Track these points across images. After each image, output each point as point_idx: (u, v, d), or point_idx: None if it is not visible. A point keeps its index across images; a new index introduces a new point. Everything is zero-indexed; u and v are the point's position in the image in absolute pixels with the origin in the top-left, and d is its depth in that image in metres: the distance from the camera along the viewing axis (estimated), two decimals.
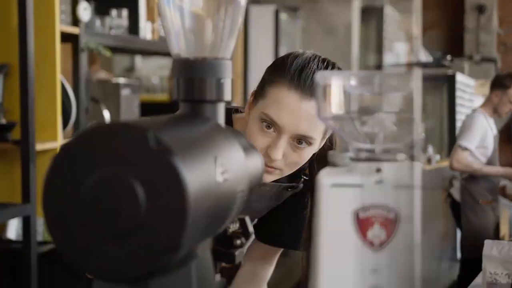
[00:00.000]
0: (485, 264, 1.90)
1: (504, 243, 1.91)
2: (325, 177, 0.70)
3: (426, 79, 5.82)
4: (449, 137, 7.18)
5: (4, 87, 2.44)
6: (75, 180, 0.63)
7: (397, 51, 8.15)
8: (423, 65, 5.41)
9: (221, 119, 0.83)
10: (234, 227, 0.88)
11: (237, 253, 0.83)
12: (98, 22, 2.96)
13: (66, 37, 2.63)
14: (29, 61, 2.36)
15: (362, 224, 0.69)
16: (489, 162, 4.46)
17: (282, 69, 1.25)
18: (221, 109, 0.83)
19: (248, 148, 0.88)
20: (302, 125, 1.23)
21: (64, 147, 0.63)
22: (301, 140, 1.24)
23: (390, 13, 7.45)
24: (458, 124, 7.15)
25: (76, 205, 0.62)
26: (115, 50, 3.21)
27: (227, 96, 0.83)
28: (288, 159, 1.26)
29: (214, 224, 0.71)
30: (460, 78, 7.00)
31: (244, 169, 0.78)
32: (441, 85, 6.85)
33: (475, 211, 4.34)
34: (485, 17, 9.25)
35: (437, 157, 6.25)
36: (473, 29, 9.30)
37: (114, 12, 3.05)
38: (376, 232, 0.69)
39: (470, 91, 7.60)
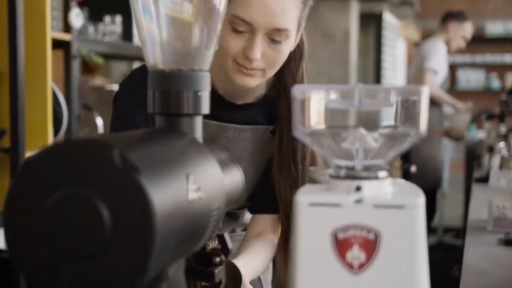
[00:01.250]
0: (492, 197, 1.75)
1: None
2: (303, 196, 0.67)
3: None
4: (375, 77, 7.28)
5: None
6: (38, 198, 0.60)
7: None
8: None
9: (198, 133, 0.80)
10: (213, 244, 0.85)
11: (216, 271, 0.80)
12: (91, 28, 2.94)
13: (58, 44, 2.60)
14: (19, 68, 2.33)
15: (340, 245, 0.66)
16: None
17: None
18: (198, 122, 0.80)
19: (227, 162, 0.85)
20: (274, 18, 1.19)
21: (27, 163, 0.61)
22: (275, 37, 1.21)
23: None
24: (384, 64, 7.30)
25: (38, 224, 0.60)
26: (109, 56, 3.18)
27: (205, 109, 0.80)
28: (267, 58, 1.23)
29: (186, 244, 0.68)
30: (386, 17, 7.08)
31: (220, 186, 0.75)
32: (368, 23, 6.93)
33: (428, 140, 4.37)
34: None
35: None
36: None
37: (107, 18, 3.02)
38: (355, 254, 0.66)
39: (394, 32, 7.72)
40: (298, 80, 1.34)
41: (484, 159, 3.49)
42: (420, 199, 0.66)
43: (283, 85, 1.34)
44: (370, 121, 0.70)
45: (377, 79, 7.38)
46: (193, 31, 0.80)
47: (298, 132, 0.70)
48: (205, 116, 1.29)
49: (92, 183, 0.58)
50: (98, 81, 3.57)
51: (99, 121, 2.95)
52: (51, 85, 2.50)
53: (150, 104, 0.80)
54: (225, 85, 1.35)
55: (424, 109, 0.68)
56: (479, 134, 8.77)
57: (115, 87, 3.15)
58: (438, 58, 4.39)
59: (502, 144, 3.05)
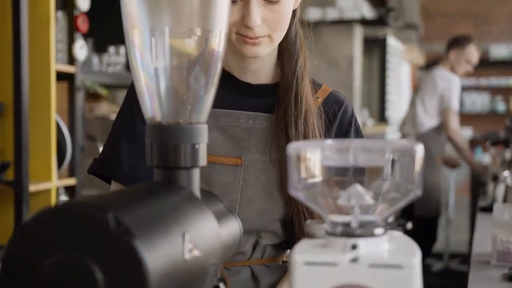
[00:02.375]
0: (496, 230, 1.71)
1: None
2: (299, 254, 0.67)
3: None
4: (379, 101, 7.28)
5: None
6: (32, 262, 0.60)
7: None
8: (366, 22, 5.44)
9: (195, 185, 0.80)
10: None
11: None
12: (95, 59, 2.95)
13: (62, 76, 2.62)
14: (24, 101, 2.34)
15: None
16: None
17: None
18: (196, 175, 0.80)
19: (223, 213, 0.85)
20: None
21: (22, 227, 0.61)
22: None
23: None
24: (389, 88, 7.32)
25: None
26: (114, 86, 3.20)
27: (203, 161, 0.80)
28: (269, 22, 1.16)
29: None
30: (391, 41, 7.10)
31: (217, 241, 0.75)
32: (372, 48, 6.95)
33: (430, 167, 4.34)
34: None
35: (371, 121, 6.34)
36: None
37: (112, 49, 3.05)
38: None
39: (399, 55, 7.75)
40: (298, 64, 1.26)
41: (489, 187, 3.48)
42: (416, 258, 0.66)
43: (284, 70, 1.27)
44: (365, 178, 0.70)
45: (382, 103, 7.40)
46: (191, 85, 0.80)
47: (293, 188, 0.70)
48: (216, 105, 1.25)
49: (87, 247, 0.58)
50: (103, 106, 3.58)
51: None
52: (55, 118, 2.51)
53: (148, 157, 0.80)
54: (237, 63, 1.27)
55: (419, 166, 0.68)
56: (485, 158, 8.75)
57: None
58: (458, 95, 4.45)
59: (506, 173, 3.04)
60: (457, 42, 4.57)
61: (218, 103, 1.26)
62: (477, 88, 10.21)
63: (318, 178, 0.71)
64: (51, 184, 2.49)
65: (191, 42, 0.79)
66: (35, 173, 2.45)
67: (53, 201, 2.50)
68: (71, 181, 2.69)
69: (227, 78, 1.27)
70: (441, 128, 4.50)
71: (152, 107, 0.80)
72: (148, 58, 0.79)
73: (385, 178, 0.70)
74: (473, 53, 4.61)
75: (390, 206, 0.70)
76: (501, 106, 10.21)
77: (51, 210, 0.60)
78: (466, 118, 10.29)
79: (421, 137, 4.58)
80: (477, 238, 2.28)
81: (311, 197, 0.71)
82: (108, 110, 3.65)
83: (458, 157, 4.92)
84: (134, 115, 1.24)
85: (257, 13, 1.14)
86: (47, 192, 2.49)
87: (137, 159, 1.20)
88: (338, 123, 1.27)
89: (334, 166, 0.70)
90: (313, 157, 0.69)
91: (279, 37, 1.19)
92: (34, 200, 2.44)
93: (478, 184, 4.78)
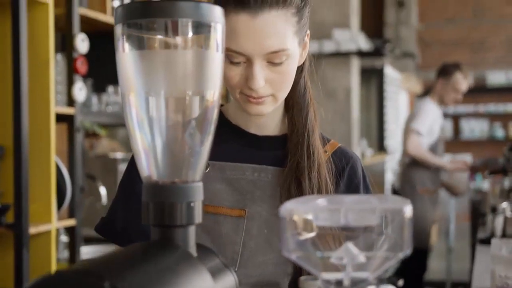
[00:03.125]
0: (494, 266, 1.71)
1: None
2: None
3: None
4: (378, 131, 7.29)
5: None
6: None
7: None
8: (363, 54, 5.47)
9: (191, 242, 0.81)
10: None
11: None
12: (95, 99, 2.99)
13: (62, 117, 2.64)
14: (23, 143, 2.37)
15: None
16: (431, 150, 4.51)
17: (229, 2, 1.14)
18: (191, 232, 0.82)
19: (220, 268, 0.86)
20: (265, 42, 1.12)
21: None
22: (275, 60, 1.14)
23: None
24: (387, 117, 7.33)
25: None
26: (113, 125, 3.23)
27: (198, 218, 0.82)
28: (272, 82, 1.16)
29: None
30: (388, 71, 7.14)
31: None
32: (369, 78, 6.98)
33: (413, 199, 4.30)
34: (405, 12, 9.41)
35: (370, 151, 6.35)
36: (392, 24, 9.48)
37: (110, 88, 3.08)
38: None
39: (396, 84, 7.77)
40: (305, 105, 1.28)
41: (488, 218, 3.49)
42: None
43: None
44: (357, 236, 0.72)
45: (380, 133, 7.43)
46: (186, 145, 0.82)
47: (285, 248, 0.71)
48: (223, 157, 1.24)
49: None
50: (103, 143, 3.60)
51: (103, 190, 2.98)
52: (55, 159, 2.53)
53: (144, 215, 0.82)
54: (243, 117, 1.28)
55: (409, 226, 0.70)
56: (484, 184, 8.76)
57: (119, 155, 3.19)
58: (425, 119, 4.42)
59: (505, 204, 3.04)
60: (444, 71, 4.58)
61: (225, 155, 1.28)
62: (476, 115, 10.27)
63: (311, 238, 0.72)
64: (51, 226, 2.50)
65: (186, 103, 0.81)
66: (35, 215, 2.46)
67: (53, 243, 2.50)
68: (71, 222, 2.70)
69: (234, 130, 1.29)
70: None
71: (148, 166, 0.82)
72: (144, 119, 0.81)
73: (376, 237, 0.72)
74: (459, 81, 4.57)
75: (382, 264, 0.72)
76: (500, 133, 10.25)
77: (48, 279, 0.61)
78: (465, 144, 10.34)
79: (405, 167, 4.60)
80: (476, 272, 2.29)
81: (304, 256, 0.72)
82: (109, 147, 3.67)
83: (459, 184, 4.90)
84: (133, 177, 1.25)
85: (260, 75, 1.14)
86: (47, 234, 2.50)
87: (132, 221, 1.22)
88: (347, 179, 1.28)
89: (326, 226, 0.72)
90: (305, 217, 0.71)
91: (283, 95, 1.19)
92: (34, 243, 2.45)
93: (477, 213, 4.78)
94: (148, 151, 0.82)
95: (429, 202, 4.49)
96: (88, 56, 2.78)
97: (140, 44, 0.79)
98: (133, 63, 0.80)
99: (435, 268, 6.62)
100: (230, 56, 1.14)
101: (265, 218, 1.21)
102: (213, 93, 0.83)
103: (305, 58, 1.28)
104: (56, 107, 2.56)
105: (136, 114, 0.81)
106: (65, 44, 2.76)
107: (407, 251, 0.71)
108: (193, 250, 0.81)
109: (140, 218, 1.09)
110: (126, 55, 0.80)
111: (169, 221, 0.80)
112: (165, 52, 0.77)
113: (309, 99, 1.29)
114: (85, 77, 2.83)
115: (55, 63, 2.59)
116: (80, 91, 2.66)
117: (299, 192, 1.21)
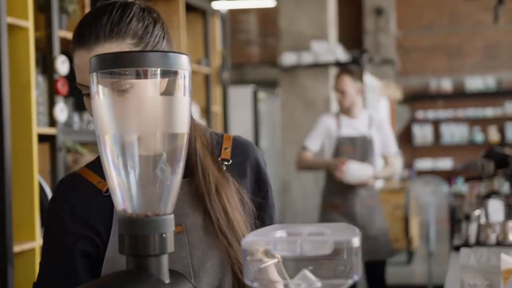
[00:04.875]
0: (463, 275, 1.77)
1: (482, 250, 1.79)
2: None
3: None
4: None
5: None
6: None
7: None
8: (341, 64, 5.43)
9: (164, 269, 0.89)
10: None
11: None
12: (76, 118, 3.05)
13: (44, 138, 2.70)
14: (6, 164, 2.42)
15: None
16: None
17: (72, 36, 1.22)
18: (164, 260, 0.89)
19: None
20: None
21: None
22: (119, 87, 1.11)
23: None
24: None
25: None
26: (94, 143, 3.30)
27: (170, 248, 0.89)
28: None
29: None
30: (367, 79, 7.25)
31: None
32: None
33: (322, 218, 4.17)
34: (383, 20, 9.57)
35: None
36: (371, 32, 9.64)
37: None
38: None
39: (376, 92, 7.87)
40: None
41: (462, 225, 3.58)
42: None
43: None
44: (313, 264, 0.80)
45: None
46: (158, 181, 0.90)
47: (248, 277, 0.79)
48: None
49: None
50: (87, 157, 3.64)
51: None
52: (38, 178, 2.59)
53: (120, 246, 0.89)
54: None
55: (358, 254, 0.78)
56: (464, 188, 8.88)
57: None
58: (313, 134, 4.21)
59: (477, 212, 3.12)
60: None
61: None
62: (455, 120, 10.42)
63: (270, 266, 0.80)
64: (35, 244, 2.56)
65: (157, 142, 0.89)
66: (18, 234, 2.51)
67: (37, 260, 2.56)
68: None
69: None
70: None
71: (123, 201, 0.90)
72: (118, 158, 0.89)
73: (329, 265, 0.80)
74: (337, 81, 4.23)
75: None
76: (479, 137, 10.41)
77: None
78: (445, 149, 10.50)
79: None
80: (449, 280, 2.36)
81: (265, 283, 0.80)
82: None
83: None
84: (57, 232, 1.26)
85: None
86: (31, 251, 2.56)
87: (65, 278, 1.22)
88: (254, 170, 1.34)
89: (284, 256, 0.79)
90: (264, 249, 0.79)
91: None
92: (18, 260, 2.50)
93: (455, 218, 4.87)
94: (122, 187, 0.89)
95: (338, 215, 4.15)
96: (68, 75, 2.84)
97: (113, 91, 0.86)
98: (107, 108, 0.87)
99: (417, 271, 6.73)
100: (82, 89, 1.22)
101: (201, 226, 1.26)
102: (182, 133, 0.90)
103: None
104: (38, 127, 2.62)
105: (110, 153, 0.89)
106: (45, 65, 2.82)
107: (356, 276, 0.78)
108: (165, 277, 0.88)
109: (72, 277, 1.13)
110: (100, 101, 0.87)
111: (143, 251, 0.87)
112: (136, 98, 0.84)
113: (192, 126, 1.29)
114: (66, 97, 2.89)
115: (36, 84, 2.65)
116: (61, 111, 2.73)
117: (207, 210, 1.26)
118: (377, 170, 4.17)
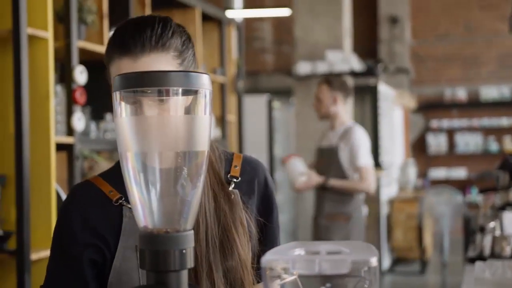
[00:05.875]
0: None
1: (497, 264, 1.80)
2: None
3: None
4: (373, 147, 7.35)
5: (1, 198, 2.54)
6: None
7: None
8: (356, 74, 5.45)
9: (184, 285, 0.90)
10: None
11: None
12: (93, 126, 3.08)
13: (61, 147, 2.73)
14: (25, 173, 2.46)
15: None
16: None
17: (109, 47, 1.23)
18: (184, 276, 0.90)
19: None
20: None
21: None
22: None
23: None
24: (381, 134, 7.41)
25: None
26: (111, 150, 3.33)
27: (190, 263, 0.91)
28: None
29: None
30: (381, 88, 7.23)
31: None
32: (363, 95, 7.05)
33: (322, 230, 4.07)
34: (398, 29, 9.53)
35: None
36: (386, 40, 9.61)
37: (108, 116, 3.17)
38: None
39: (390, 101, 7.85)
40: None
41: (477, 237, 3.56)
42: None
43: None
44: (332, 282, 0.81)
45: (375, 149, 7.51)
46: (178, 198, 0.91)
47: None
48: None
49: None
50: (102, 165, 3.68)
51: None
52: (55, 187, 2.61)
53: (141, 262, 0.91)
54: None
55: (375, 273, 0.79)
56: (479, 198, 8.84)
57: None
58: None
59: (492, 224, 3.11)
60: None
61: None
62: (470, 129, 10.37)
63: (289, 284, 0.81)
64: None
65: (178, 160, 0.90)
66: (36, 242, 2.54)
67: None
68: None
69: None
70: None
71: (144, 217, 0.92)
72: (140, 175, 0.91)
73: (347, 283, 0.81)
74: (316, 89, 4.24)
75: None
76: (494, 146, 10.36)
77: None
78: (460, 158, 10.44)
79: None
80: None
81: None
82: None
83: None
84: (67, 239, 1.27)
85: (149, 113, 1.15)
86: (48, 260, 2.58)
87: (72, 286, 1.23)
88: (258, 187, 1.35)
89: (302, 274, 0.81)
90: (284, 267, 0.80)
91: None
92: (36, 268, 2.53)
93: (469, 229, 4.85)
94: (144, 203, 0.91)
95: (338, 228, 4.06)
96: (86, 84, 2.87)
97: (135, 110, 0.88)
98: (130, 126, 0.89)
99: (430, 282, 6.70)
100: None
101: (202, 237, 1.26)
102: (202, 150, 0.92)
103: None
104: (56, 136, 2.65)
105: (132, 170, 0.91)
106: (64, 74, 2.86)
107: None
108: None
109: (79, 284, 1.15)
110: (123, 120, 0.89)
111: (164, 267, 0.89)
112: (158, 117, 0.86)
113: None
114: (83, 106, 2.92)
115: (54, 94, 2.68)
116: (79, 121, 2.76)
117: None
118: (331, 180, 3.97)
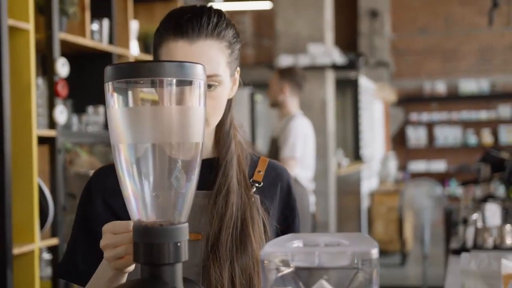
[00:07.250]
0: (464, 279, 1.78)
1: (483, 256, 1.79)
2: None
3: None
4: (353, 140, 7.44)
5: None
6: None
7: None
8: (337, 67, 5.48)
9: (178, 278, 0.89)
10: None
11: None
12: (75, 120, 3.04)
13: (43, 140, 2.70)
14: (6, 166, 2.42)
15: None
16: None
17: (162, 29, 1.24)
18: (179, 269, 0.89)
19: None
20: None
21: None
22: (208, 81, 1.16)
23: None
24: (362, 127, 7.48)
25: None
26: (93, 143, 3.30)
27: (185, 256, 0.89)
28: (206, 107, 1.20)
29: None
30: (362, 81, 7.28)
31: None
32: (344, 89, 7.10)
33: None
34: (378, 22, 9.59)
35: (346, 161, 6.46)
36: (366, 34, 9.66)
37: (90, 109, 3.14)
38: None
39: (371, 94, 7.91)
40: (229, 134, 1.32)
41: (459, 228, 3.58)
42: None
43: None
44: (330, 274, 0.80)
45: (356, 142, 7.55)
46: (172, 190, 0.90)
47: (266, 287, 0.79)
48: None
49: None
50: (83, 158, 3.64)
51: None
52: (37, 180, 2.58)
53: (135, 255, 0.89)
54: None
55: (376, 265, 0.78)
56: (458, 191, 8.90)
57: None
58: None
59: (475, 216, 3.13)
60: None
61: None
62: (449, 122, 10.44)
63: (287, 276, 0.80)
64: (34, 246, 2.55)
65: (171, 151, 0.89)
66: (18, 236, 2.51)
67: (36, 262, 2.56)
68: (53, 241, 2.75)
69: None
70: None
71: (138, 210, 0.90)
72: (133, 167, 0.89)
73: (347, 275, 0.80)
74: None
75: None
76: (472, 139, 10.44)
77: None
78: (439, 151, 10.52)
79: None
80: (448, 283, 2.37)
81: None
82: (88, 162, 3.72)
83: None
84: (88, 214, 1.28)
85: None
86: (30, 253, 2.55)
87: (93, 260, 1.21)
88: (280, 193, 1.35)
89: (301, 266, 0.80)
90: (282, 259, 0.79)
91: (214, 121, 1.26)
92: (17, 263, 2.50)
93: (451, 221, 4.87)
94: (137, 196, 0.89)
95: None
96: (68, 77, 2.83)
97: (128, 101, 0.86)
98: (122, 117, 0.87)
99: (410, 273, 6.74)
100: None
101: (217, 238, 1.26)
102: (197, 142, 0.90)
103: (234, 93, 1.34)
104: (38, 130, 2.62)
105: (125, 162, 0.89)
106: (45, 67, 2.82)
107: (376, 287, 0.78)
108: (179, 286, 0.89)
109: (100, 255, 1.14)
110: (115, 111, 0.87)
111: (158, 260, 0.87)
112: (151, 108, 0.84)
113: (233, 135, 1.33)
114: (65, 99, 2.88)
115: (36, 87, 2.64)
116: (61, 114, 2.72)
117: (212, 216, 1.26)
118: None
